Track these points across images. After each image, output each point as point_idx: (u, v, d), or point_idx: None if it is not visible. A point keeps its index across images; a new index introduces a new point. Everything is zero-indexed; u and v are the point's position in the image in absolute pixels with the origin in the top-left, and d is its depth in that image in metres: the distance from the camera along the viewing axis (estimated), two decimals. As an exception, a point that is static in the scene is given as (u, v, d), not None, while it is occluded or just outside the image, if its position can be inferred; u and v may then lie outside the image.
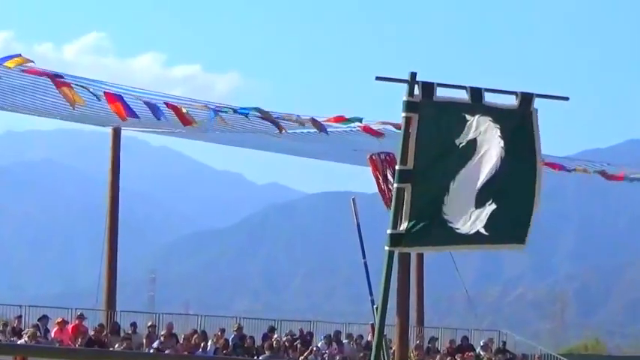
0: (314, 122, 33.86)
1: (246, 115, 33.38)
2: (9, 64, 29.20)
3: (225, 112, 33.24)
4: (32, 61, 29.43)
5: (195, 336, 40.10)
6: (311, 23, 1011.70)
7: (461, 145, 12.56)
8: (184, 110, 32.94)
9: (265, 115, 33.58)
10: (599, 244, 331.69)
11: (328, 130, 33.72)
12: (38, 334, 36.28)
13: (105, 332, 37.58)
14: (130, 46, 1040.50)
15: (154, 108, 32.13)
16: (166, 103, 32.86)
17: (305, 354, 40.17)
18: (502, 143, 12.66)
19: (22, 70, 29.70)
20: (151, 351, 37.05)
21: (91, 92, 30.78)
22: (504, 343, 47.67)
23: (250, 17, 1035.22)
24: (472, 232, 12.51)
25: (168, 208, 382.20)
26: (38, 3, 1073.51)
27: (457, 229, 12.59)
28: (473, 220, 12.51)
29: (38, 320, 38.31)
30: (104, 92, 30.99)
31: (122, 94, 31.56)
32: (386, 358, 15.79)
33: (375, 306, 13.32)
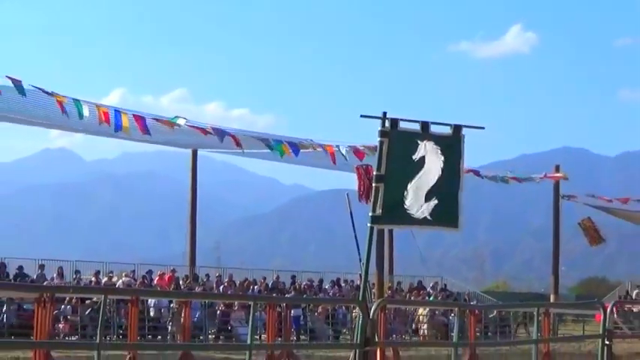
0: (320, 146, 34.06)
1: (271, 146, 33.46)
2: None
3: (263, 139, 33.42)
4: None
5: (247, 282, 40.19)
6: (323, 71, 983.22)
7: (415, 160, 13.25)
8: (238, 137, 33.14)
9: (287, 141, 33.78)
10: (505, 221, 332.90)
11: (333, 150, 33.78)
12: (145, 281, 36.45)
13: (189, 280, 37.58)
14: (202, 96, 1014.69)
15: (220, 134, 32.39)
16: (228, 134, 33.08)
17: (318, 293, 40.34)
18: (442, 159, 13.30)
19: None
20: (221, 291, 37.04)
21: (178, 125, 31.03)
22: (445, 285, 47.53)
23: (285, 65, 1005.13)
24: (422, 217, 13.17)
25: (226, 200, 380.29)
26: (142, 66, 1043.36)
27: (413, 214, 13.24)
28: (422, 210, 13.21)
29: (146, 273, 38.35)
30: (188, 125, 31.27)
31: (199, 126, 31.91)
32: (369, 294, 16.16)
33: (361, 262, 13.77)
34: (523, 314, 41.04)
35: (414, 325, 39.30)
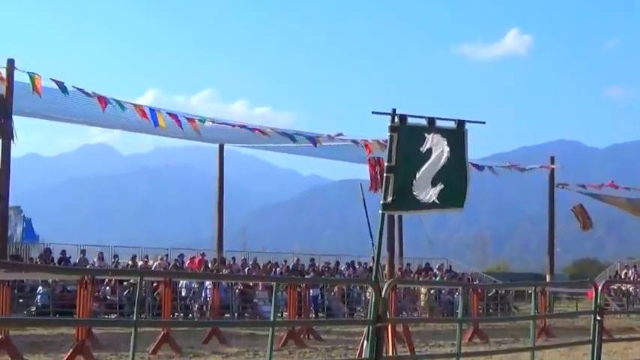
0: (335, 137, 34.02)
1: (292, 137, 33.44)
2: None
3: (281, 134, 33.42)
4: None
5: (269, 264, 40.22)
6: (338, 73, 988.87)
7: (423, 151, 13.16)
8: (267, 131, 33.17)
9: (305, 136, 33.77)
10: (504, 208, 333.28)
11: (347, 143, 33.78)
12: (177, 264, 36.52)
13: (217, 263, 37.61)
14: (228, 96, 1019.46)
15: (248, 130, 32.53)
16: (252, 128, 33.12)
17: (334, 274, 40.37)
18: (447, 150, 13.27)
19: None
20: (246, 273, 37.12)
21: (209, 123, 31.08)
22: (450, 266, 47.55)
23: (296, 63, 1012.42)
24: (430, 201, 13.11)
25: (250, 190, 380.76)
26: (174, 68, 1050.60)
27: (421, 200, 13.19)
28: (430, 195, 13.12)
29: (178, 257, 38.42)
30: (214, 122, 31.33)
31: (224, 123, 31.97)
32: (381, 275, 16.10)
33: (374, 246, 13.73)
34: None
35: (422, 303, 39.29)
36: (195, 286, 34.32)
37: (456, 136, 13.78)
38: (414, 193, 13.53)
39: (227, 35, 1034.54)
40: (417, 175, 13.48)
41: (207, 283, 32.92)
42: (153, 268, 34.36)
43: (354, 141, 32.23)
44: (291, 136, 33.31)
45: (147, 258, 37.73)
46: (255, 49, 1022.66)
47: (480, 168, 37.95)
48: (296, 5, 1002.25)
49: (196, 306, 34.39)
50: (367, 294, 33.45)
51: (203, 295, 33.88)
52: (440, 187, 13.50)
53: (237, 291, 35.51)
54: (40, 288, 31.06)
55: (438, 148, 13.56)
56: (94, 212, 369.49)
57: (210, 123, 31.23)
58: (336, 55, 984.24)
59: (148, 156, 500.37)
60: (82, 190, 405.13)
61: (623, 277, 46.81)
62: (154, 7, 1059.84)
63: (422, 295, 38.45)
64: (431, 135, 13.57)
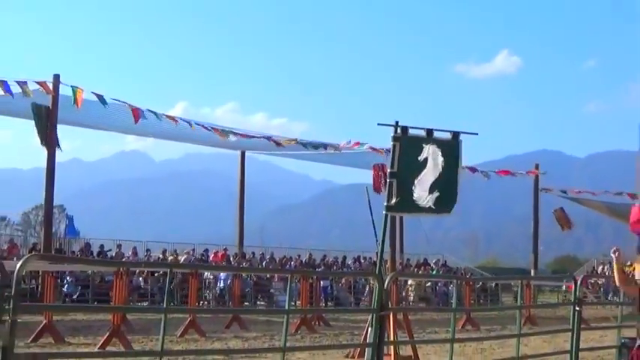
0: (344, 145, 33.98)
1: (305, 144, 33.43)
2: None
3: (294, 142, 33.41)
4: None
5: (284, 259, 40.19)
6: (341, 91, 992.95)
7: (420, 160, 13.16)
8: (281, 140, 33.13)
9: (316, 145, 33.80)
10: (494, 210, 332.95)
11: (352, 151, 33.73)
12: (203, 258, 36.54)
13: (237, 257, 37.58)
14: (249, 109, 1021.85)
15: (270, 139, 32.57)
16: (267, 137, 33.11)
17: (342, 268, 40.34)
18: (442, 160, 13.27)
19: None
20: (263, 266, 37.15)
21: (230, 133, 31.08)
22: (445, 261, 47.42)
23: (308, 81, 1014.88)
24: (427, 206, 13.13)
25: (267, 193, 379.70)
26: (201, 83, 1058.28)
27: (420, 204, 13.20)
28: (427, 200, 13.16)
29: (203, 251, 38.42)
30: (234, 132, 31.32)
31: (245, 133, 31.95)
32: (383, 268, 16.11)
33: (377, 243, 13.73)
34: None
35: (411, 296, 39.22)
36: (208, 275, 34.39)
37: (450, 147, 13.84)
38: (414, 197, 13.60)
39: (249, 54, 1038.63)
40: (416, 182, 13.56)
41: (222, 274, 33.15)
42: (181, 262, 34.39)
43: (373, 148, 31.94)
44: (304, 145, 33.33)
45: (175, 252, 37.72)
46: (273, 66, 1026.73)
47: (473, 170, 37.96)
48: (312, 30, 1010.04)
49: (212, 294, 34.47)
50: (371, 285, 33.40)
51: (219, 285, 33.91)
52: (436, 194, 13.56)
53: (247, 279, 35.58)
54: (67, 278, 31.10)
55: (434, 158, 13.64)
56: (129, 212, 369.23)
57: (235, 137, 31.33)
58: (347, 72, 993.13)
59: (178, 162, 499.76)
60: (119, 192, 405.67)
61: (599, 272, 46.72)
62: (184, 26, 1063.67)
63: (410, 288, 38.39)
64: (428, 146, 13.66)
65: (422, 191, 13.49)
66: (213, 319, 24.70)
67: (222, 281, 33.45)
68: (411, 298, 37.88)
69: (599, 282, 44.01)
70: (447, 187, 13.65)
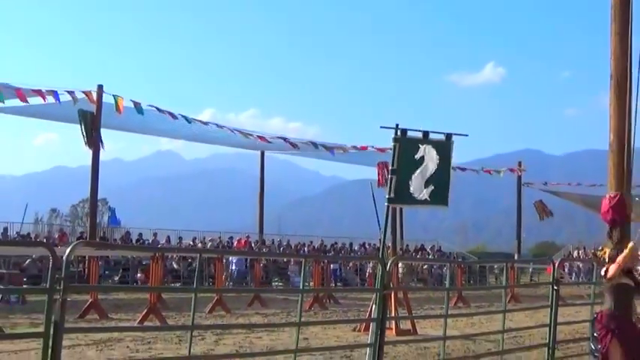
0: (350, 148, 33.95)
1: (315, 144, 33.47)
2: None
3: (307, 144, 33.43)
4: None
5: (299, 245, 40.16)
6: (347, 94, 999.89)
7: (417, 159, 13.15)
8: (293, 141, 33.16)
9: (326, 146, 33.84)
10: (482, 202, 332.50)
11: (360, 151, 33.71)
12: (228, 244, 36.52)
13: (258, 243, 37.58)
14: (268, 114, 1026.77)
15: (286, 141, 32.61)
16: (284, 139, 33.15)
17: (350, 253, 40.29)
18: (437, 158, 13.25)
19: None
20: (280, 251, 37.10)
21: (251, 136, 31.13)
22: (440, 247, 47.31)
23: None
24: (423, 199, 13.11)
25: (284, 187, 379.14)
26: (226, 90, 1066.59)
27: (416, 197, 13.18)
28: (424, 194, 13.13)
29: (228, 239, 38.43)
30: (256, 135, 31.39)
31: (263, 136, 32.00)
32: (386, 253, 16.09)
33: (381, 231, 13.70)
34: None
35: (419, 275, 39.16)
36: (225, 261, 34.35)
37: (444, 147, 13.85)
38: (411, 191, 13.61)
39: (267, 67, 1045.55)
40: (412, 177, 13.57)
41: (233, 258, 33.01)
42: (209, 247, 34.40)
43: (380, 149, 31.72)
44: (315, 145, 33.37)
45: (204, 239, 37.80)
46: (288, 78, 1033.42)
47: (462, 170, 38.00)
48: (323, 45, 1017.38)
49: (228, 275, 34.43)
50: (375, 268, 33.38)
51: (230, 267, 33.81)
52: (431, 188, 13.58)
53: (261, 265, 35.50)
54: (110, 262, 31.16)
55: (429, 157, 13.65)
56: (164, 204, 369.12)
57: (258, 140, 31.49)
58: (354, 82, 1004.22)
59: (205, 160, 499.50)
60: (154, 188, 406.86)
61: (575, 256, 46.72)
62: (212, 41, 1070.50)
63: (400, 269, 38.27)
64: (423, 146, 13.68)
65: (418, 185, 13.53)
66: (236, 298, 24.76)
67: (233, 264, 33.42)
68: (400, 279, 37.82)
69: (576, 264, 43.96)
70: (440, 182, 13.67)
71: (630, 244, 10.96)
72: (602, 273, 10.87)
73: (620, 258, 10.69)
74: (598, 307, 13.36)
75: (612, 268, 10.51)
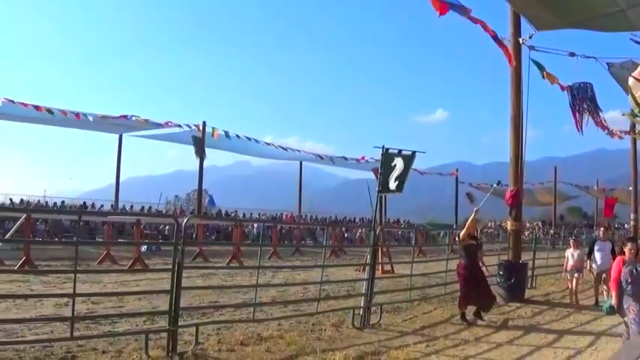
0: (350, 159, 33.60)
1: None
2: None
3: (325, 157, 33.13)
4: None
5: (323, 218, 39.90)
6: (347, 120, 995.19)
7: (393, 166, 12.97)
8: (323, 157, 32.78)
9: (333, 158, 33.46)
10: (434, 191, 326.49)
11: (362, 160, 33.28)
12: (278, 217, 36.24)
13: (298, 217, 37.42)
14: (284, 134, 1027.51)
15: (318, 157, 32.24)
16: (314, 154, 32.83)
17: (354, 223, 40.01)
18: (402, 165, 13.06)
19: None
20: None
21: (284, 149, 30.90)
22: (408, 220, 47.00)
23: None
24: (393, 189, 12.97)
25: (312, 183, 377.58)
26: (283, 119, 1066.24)
27: (391, 188, 13.03)
28: (394, 186, 12.94)
29: (279, 214, 38.23)
30: (287, 148, 31.15)
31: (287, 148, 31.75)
32: (376, 224, 16.00)
33: (372, 209, 13.64)
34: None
35: (395, 237, 38.80)
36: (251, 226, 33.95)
37: (409, 159, 13.66)
38: (389, 185, 13.49)
39: (287, 95, 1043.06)
40: (390, 177, 13.45)
41: (256, 224, 30.25)
42: (267, 219, 34.10)
43: (375, 160, 31.17)
44: (331, 159, 33.06)
45: (265, 214, 37.66)
46: (304, 105, 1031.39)
47: (422, 173, 37.75)
48: (326, 79, 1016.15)
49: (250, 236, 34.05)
50: (368, 233, 33.20)
51: (253, 231, 31.50)
52: (397, 182, 13.42)
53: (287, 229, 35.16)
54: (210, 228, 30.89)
55: (399, 165, 13.51)
56: (241, 193, 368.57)
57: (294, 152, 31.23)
58: (354, 114, 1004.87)
59: (266, 166, 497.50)
60: (235, 184, 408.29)
61: (489, 225, 46.23)
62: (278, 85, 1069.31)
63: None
64: (398, 158, 13.51)
65: (393, 181, 13.42)
66: (286, 251, 24.78)
67: (255, 228, 31.56)
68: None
69: (485, 231, 43.48)
70: (401, 179, 13.50)
71: (472, 214, 10.71)
72: (456, 238, 10.67)
73: (467, 224, 10.46)
74: (502, 257, 13.28)
75: (462, 234, 10.36)
